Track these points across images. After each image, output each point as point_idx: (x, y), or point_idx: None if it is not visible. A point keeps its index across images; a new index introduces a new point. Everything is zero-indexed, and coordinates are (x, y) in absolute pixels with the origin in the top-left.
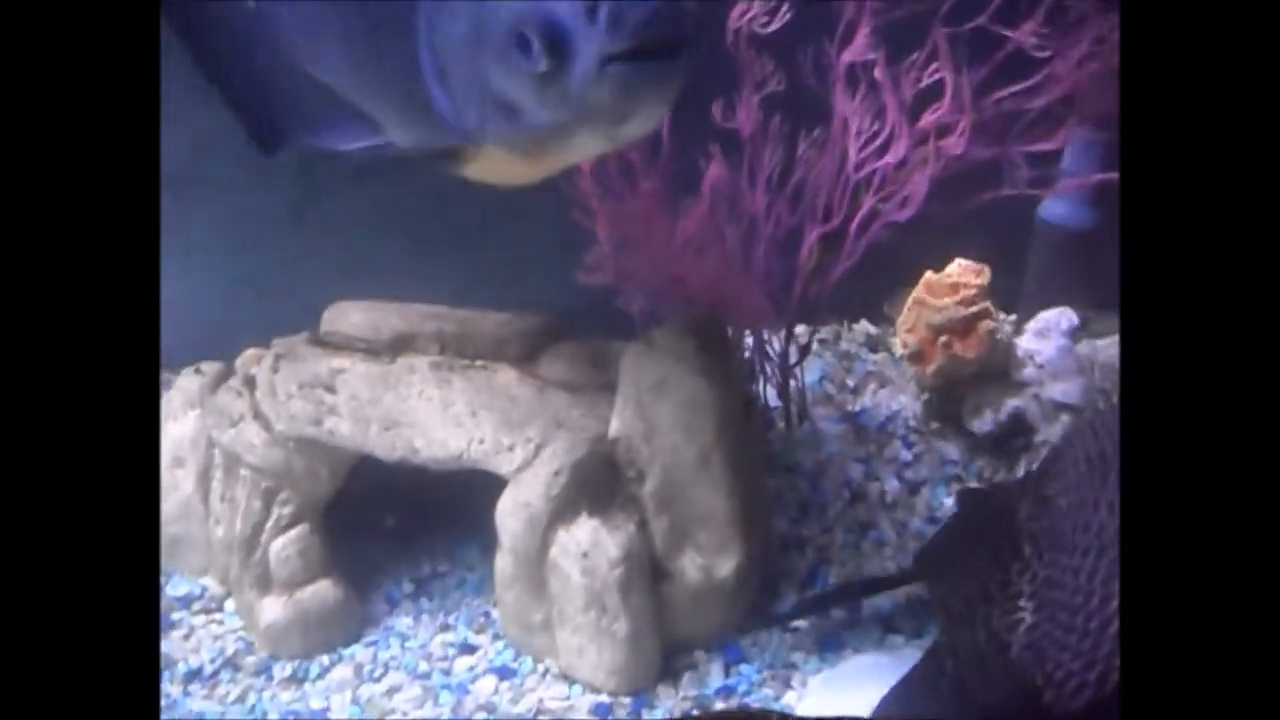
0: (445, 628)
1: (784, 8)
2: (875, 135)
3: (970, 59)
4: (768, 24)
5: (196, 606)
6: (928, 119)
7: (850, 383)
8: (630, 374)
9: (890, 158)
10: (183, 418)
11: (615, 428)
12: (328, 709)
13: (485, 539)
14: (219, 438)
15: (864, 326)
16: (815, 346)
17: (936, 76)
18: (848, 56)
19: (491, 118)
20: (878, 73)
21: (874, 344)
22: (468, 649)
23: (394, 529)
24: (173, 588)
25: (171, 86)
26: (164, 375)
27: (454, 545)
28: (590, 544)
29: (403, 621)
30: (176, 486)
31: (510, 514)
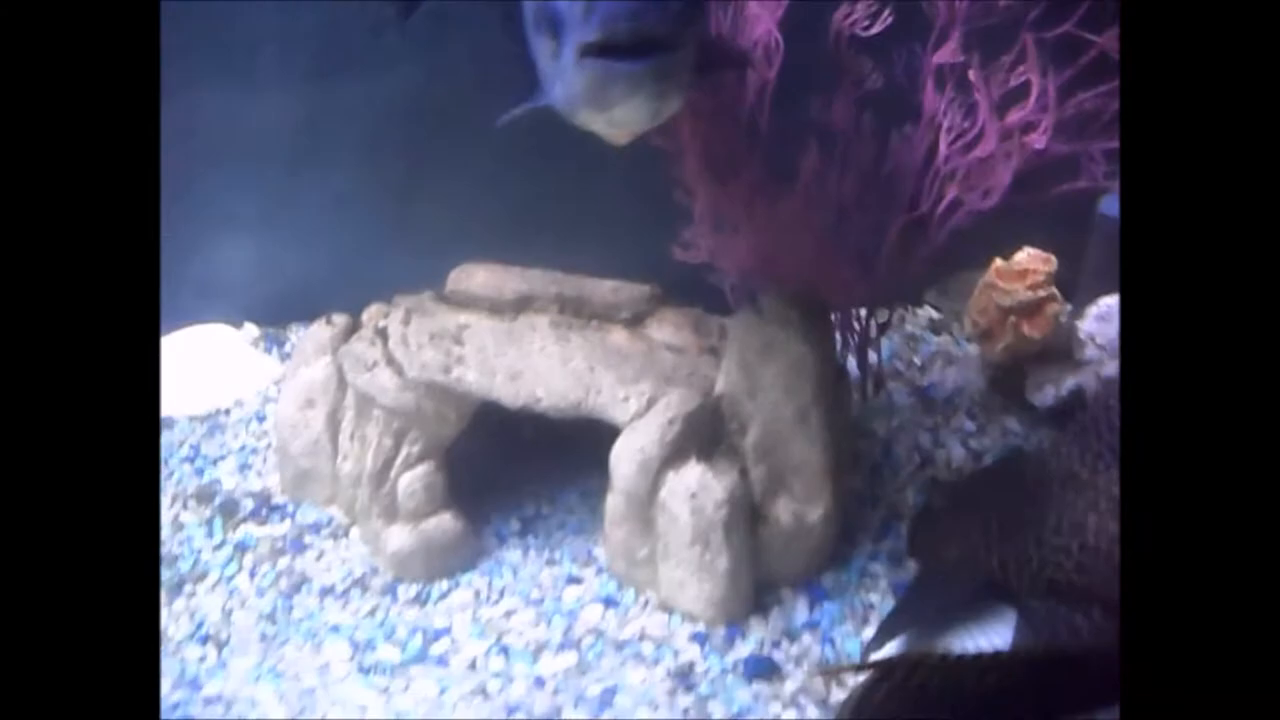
0: (551, 562)
1: (885, 12)
2: (964, 131)
3: (1056, 62)
4: (869, 27)
5: (325, 532)
6: (1013, 116)
7: (917, 361)
8: (739, 337)
9: (979, 152)
10: (315, 363)
11: (722, 384)
12: (450, 627)
13: (584, 486)
14: (354, 380)
15: (927, 311)
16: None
17: (1024, 78)
18: (939, 58)
19: (545, 88)
20: (971, 73)
21: (936, 328)
22: (574, 580)
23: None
24: (302, 515)
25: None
26: (291, 325)
27: (555, 490)
28: (698, 486)
29: (512, 555)
30: (307, 425)
31: (625, 458)
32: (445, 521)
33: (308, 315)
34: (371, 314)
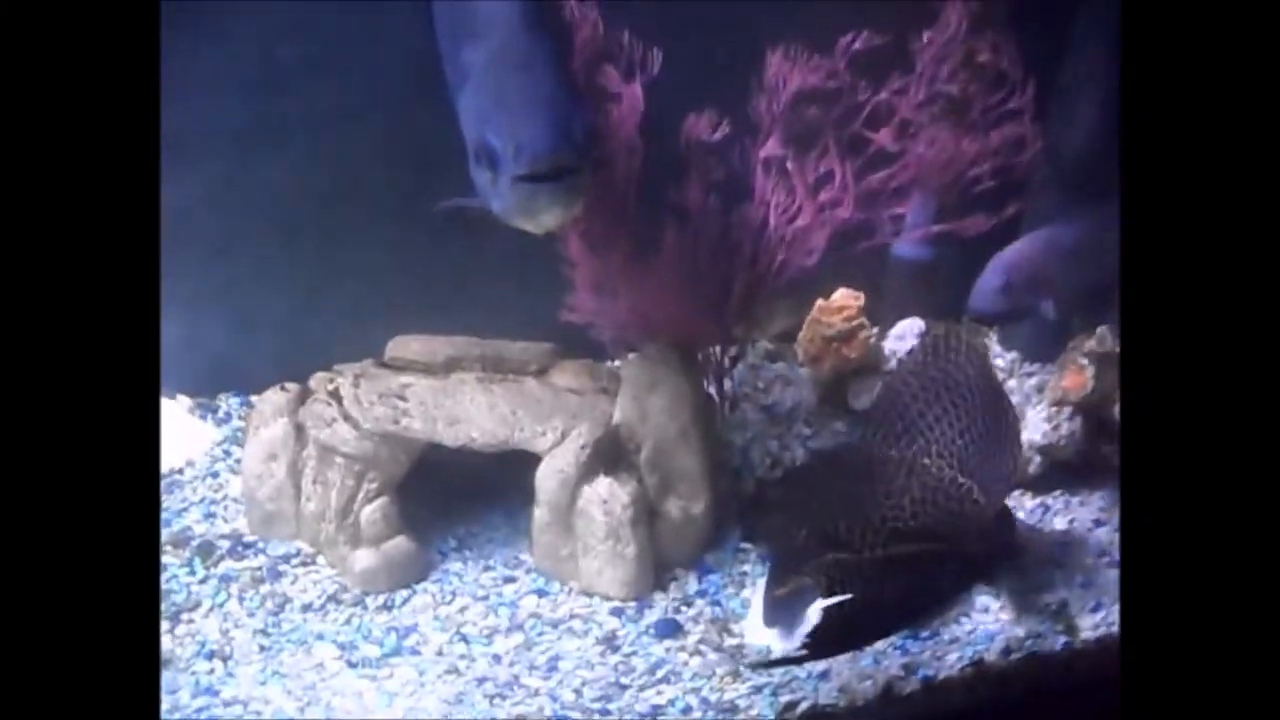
0: (487, 568)
1: (722, 121)
2: (787, 207)
3: (849, 152)
4: (712, 132)
5: (295, 561)
6: (824, 195)
7: (760, 384)
8: (630, 376)
9: (799, 223)
10: (274, 423)
11: (619, 415)
12: (417, 625)
13: (504, 507)
14: (317, 435)
15: (763, 344)
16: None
17: (828, 167)
18: (764, 152)
19: (484, 199)
20: (789, 164)
21: (772, 357)
22: (510, 580)
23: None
24: (272, 549)
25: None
26: (220, 395)
27: (480, 512)
28: (608, 495)
29: (455, 566)
30: (272, 474)
31: (548, 478)
32: (402, 543)
33: (233, 386)
34: (318, 380)
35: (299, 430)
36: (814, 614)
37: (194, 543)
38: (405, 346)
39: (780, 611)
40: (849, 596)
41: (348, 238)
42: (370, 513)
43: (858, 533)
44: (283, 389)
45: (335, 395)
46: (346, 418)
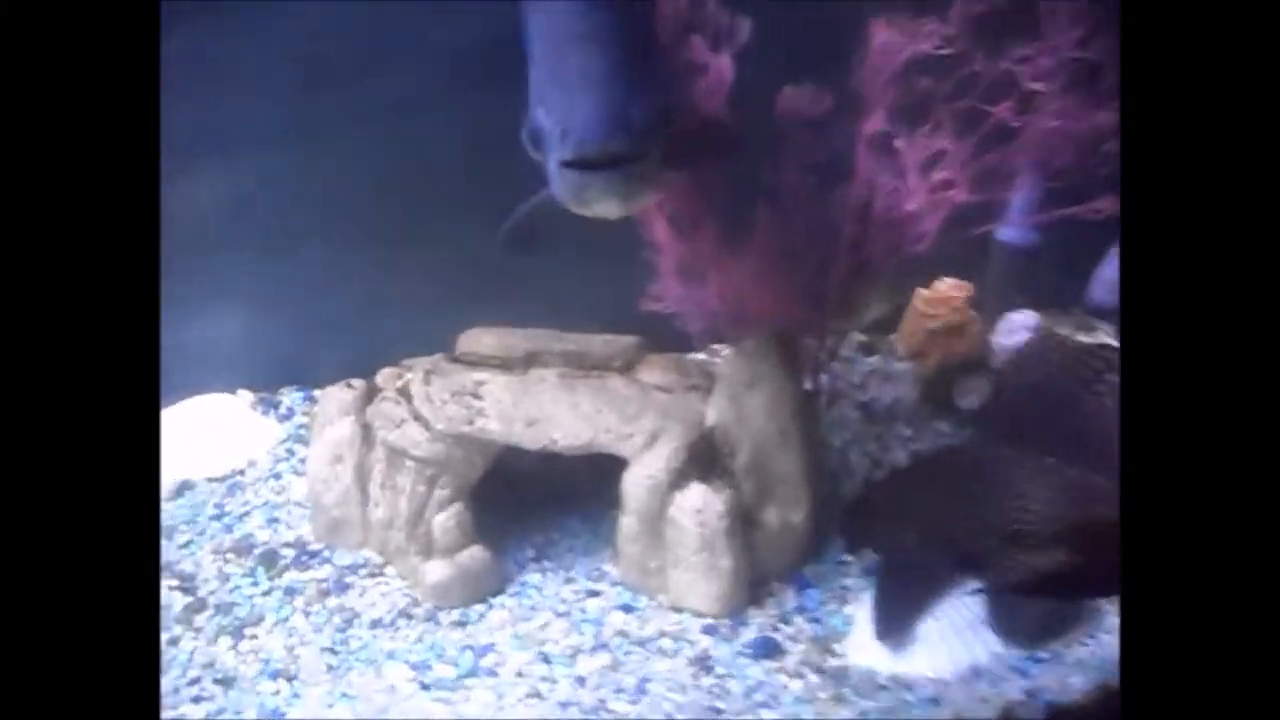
0: (569, 581)
1: (822, 95)
2: (894, 189)
3: (966, 129)
4: (810, 107)
5: (363, 572)
6: (936, 176)
7: (856, 380)
8: (726, 374)
9: (908, 206)
10: (339, 422)
11: (713, 416)
12: (494, 643)
13: (586, 512)
14: (386, 436)
15: (855, 336)
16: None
17: (940, 144)
18: (869, 128)
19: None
20: (897, 142)
21: (867, 350)
22: (593, 593)
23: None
24: (339, 559)
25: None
26: (282, 390)
27: (561, 519)
28: (702, 503)
29: (534, 578)
30: (337, 478)
31: (636, 485)
32: (476, 553)
33: (296, 380)
34: (386, 377)
35: (366, 430)
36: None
37: (257, 551)
38: (479, 340)
39: (893, 624)
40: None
41: (417, 227)
42: (443, 521)
43: (979, 537)
44: (348, 385)
45: (404, 393)
46: (417, 418)
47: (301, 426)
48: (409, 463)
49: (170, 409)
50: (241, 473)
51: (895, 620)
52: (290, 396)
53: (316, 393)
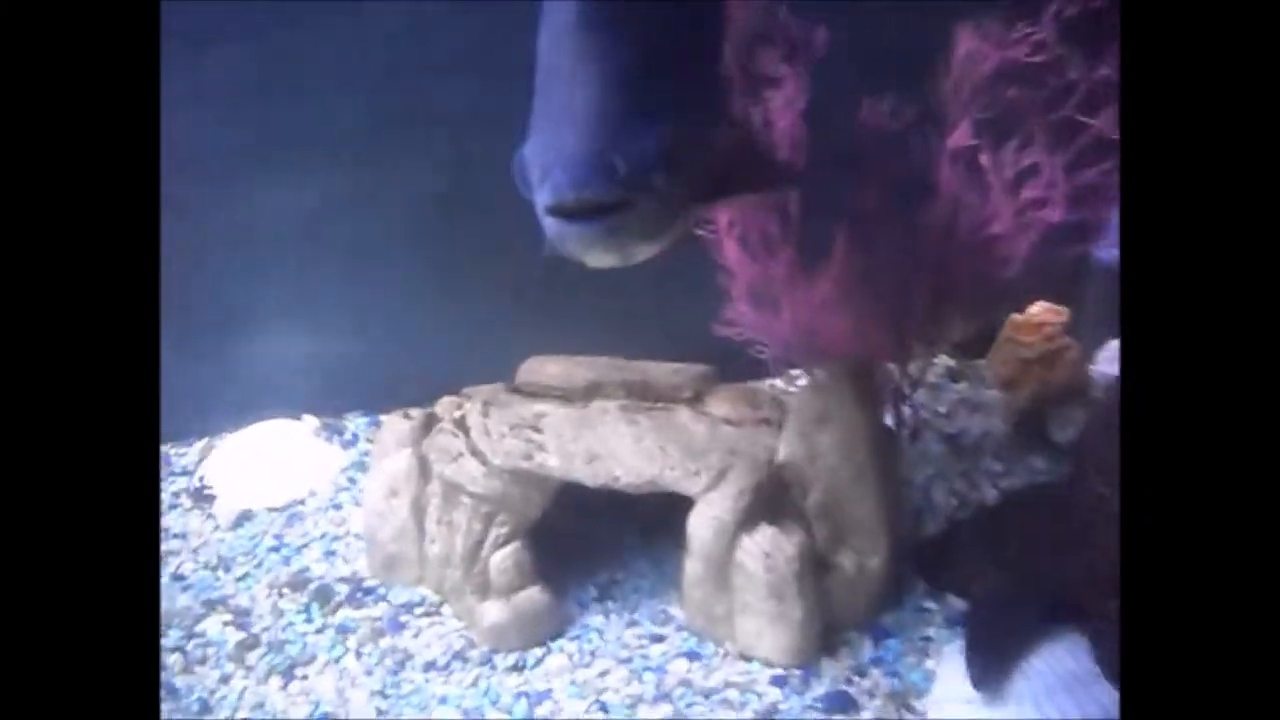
0: (632, 624)
1: (906, 108)
2: (980, 209)
3: (1059, 143)
4: (890, 119)
5: (418, 611)
6: (1026, 193)
7: (942, 409)
8: (797, 409)
9: (995, 228)
10: (396, 454)
11: (784, 453)
12: (550, 690)
13: (652, 552)
14: (442, 471)
15: (943, 360)
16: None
17: (1032, 159)
18: (953, 143)
19: None
20: (982, 158)
21: (954, 375)
22: (657, 639)
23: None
24: (394, 596)
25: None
26: (347, 415)
27: (625, 559)
28: (771, 547)
29: (595, 620)
30: (393, 513)
31: (702, 526)
32: (535, 594)
33: (361, 405)
34: (445, 406)
35: (423, 463)
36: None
37: (311, 586)
38: (540, 369)
39: (988, 673)
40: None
41: (482, 248)
42: (500, 560)
43: (1078, 584)
44: (406, 415)
45: (461, 425)
46: (474, 451)
47: (365, 454)
48: (465, 498)
49: (233, 435)
50: (302, 502)
51: (989, 669)
52: (355, 422)
53: (383, 418)
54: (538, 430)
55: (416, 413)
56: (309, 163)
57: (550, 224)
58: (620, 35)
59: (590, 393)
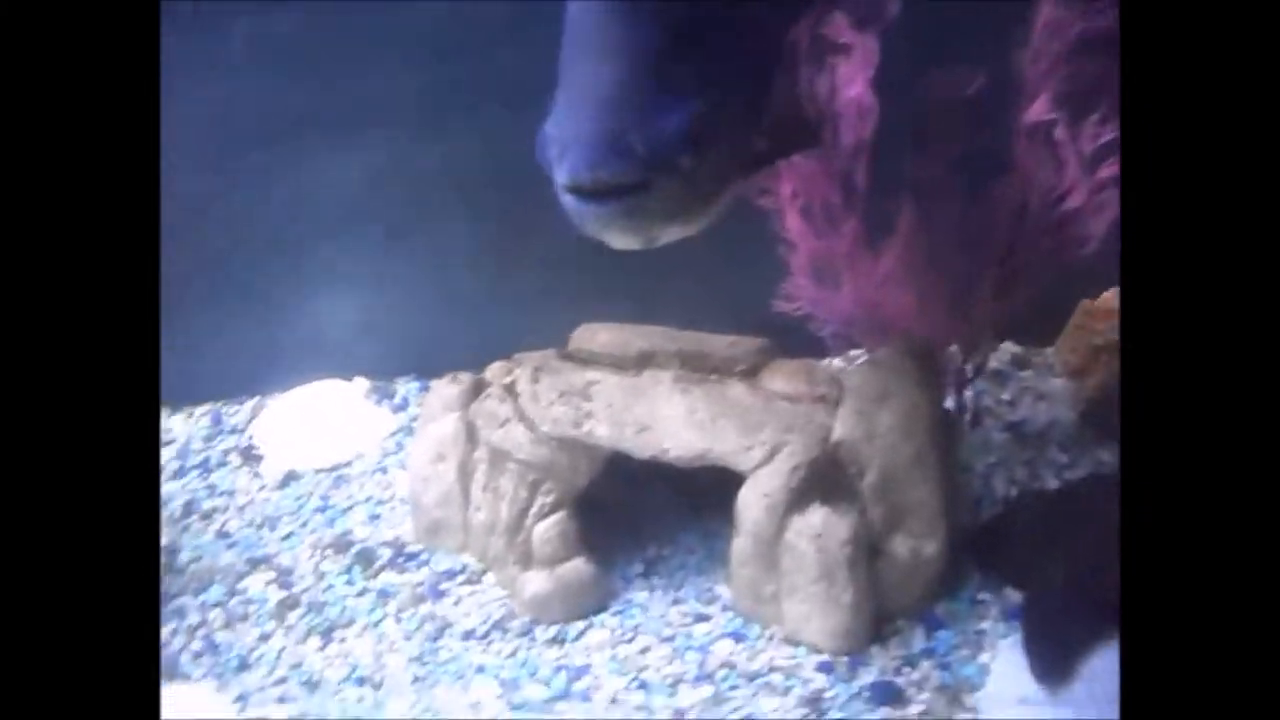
0: (677, 602)
1: (978, 75)
2: (1054, 185)
3: None
4: (962, 89)
5: (460, 579)
6: (1105, 171)
7: (1006, 396)
8: (855, 386)
9: (1069, 204)
10: (443, 419)
11: (840, 431)
12: (590, 665)
13: (701, 527)
14: (489, 436)
15: (1008, 347)
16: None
17: (1112, 135)
18: (1029, 117)
19: None
20: (1058, 132)
21: (1019, 362)
22: (702, 618)
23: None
24: (436, 563)
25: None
26: (398, 379)
27: (674, 533)
28: (823, 528)
29: (639, 595)
30: (439, 478)
31: (752, 504)
32: (579, 566)
33: (413, 369)
34: (495, 372)
35: (470, 429)
36: None
37: (355, 549)
38: (592, 336)
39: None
40: None
41: (534, 218)
42: (544, 530)
43: None
44: (454, 380)
45: (511, 391)
46: (522, 418)
47: (414, 418)
48: (512, 465)
49: (283, 395)
50: (349, 465)
51: (1052, 665)
52: (406, 387)
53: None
54: (588, 398)
55: (465, 377)
56: (365, 130)
57: (568, 202)
58: (647, 12)
59: (643, 362)
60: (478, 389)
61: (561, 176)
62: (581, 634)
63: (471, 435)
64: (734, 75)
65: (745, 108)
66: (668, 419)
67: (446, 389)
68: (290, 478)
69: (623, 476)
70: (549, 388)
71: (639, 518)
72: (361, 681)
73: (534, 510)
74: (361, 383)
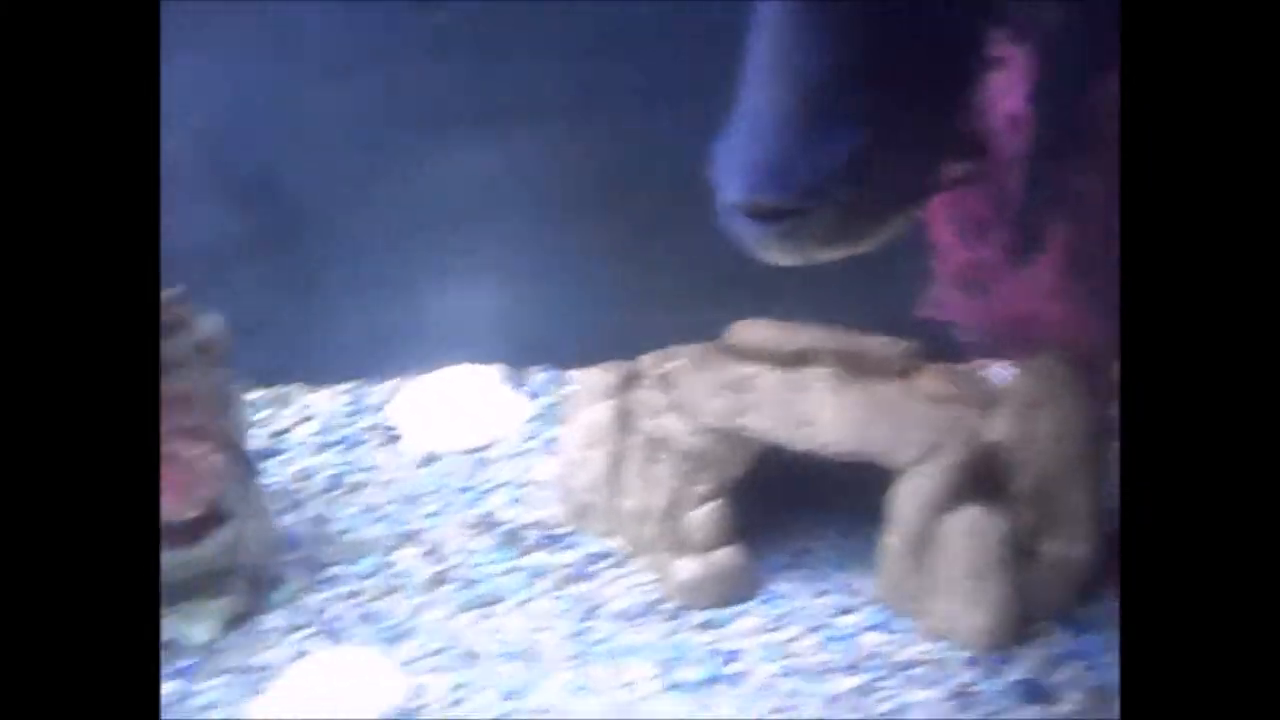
0: (822, 594)
1: None
2: None
3: None
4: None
5: (609, 562)
6: None
7: None
8: (1013, 392)
9: None
10: (596, 406)
11: (995, 434)
12: (739, 650)
13: (847, 523)
14: (645, 425)
15: None
16: None
17: None
18: None
19: None
20: None
21: None
22: (847, 610)
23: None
24: (584, 545)
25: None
26: (529, 369)
27: (820, 528)
28: (975, 528)
29: (784, 587)
30: (590, 463)
31: (906, 501)
32: (731, 554)
33: (547, 360)
34: (650, 362)
35: (624, 417)
36: None
37: (501, 529)
38: (751, 332)
39: None
40: None
41: (678, 215)
42: (698, 518)
43: None
44: (609, 368)
45: (669, 381)
46: (680, 408)
47: (551, 406)
48: (668, 454)
49: (421, 378)
50: (487, 448)
51: None
52: (539, 375)
53: (568, 374)
54: (748, 391)
55: (619, 366)
56: (515, 123)
57: (731, 219)
58: (820, 40)
59: (800, 359)
60: (631, 378)
61: (724, 195)
62: (731, 621)
63: (626, 423)
64: (904, 105)
65: (915, 137)
66: (824, 415)
67: (600, 377)
68: (431, 458)
69: (776, 470)
70: (709, 380)
71: (788, 510)
72: (516, 657)
73: (689, 498)
74: (497, 370)
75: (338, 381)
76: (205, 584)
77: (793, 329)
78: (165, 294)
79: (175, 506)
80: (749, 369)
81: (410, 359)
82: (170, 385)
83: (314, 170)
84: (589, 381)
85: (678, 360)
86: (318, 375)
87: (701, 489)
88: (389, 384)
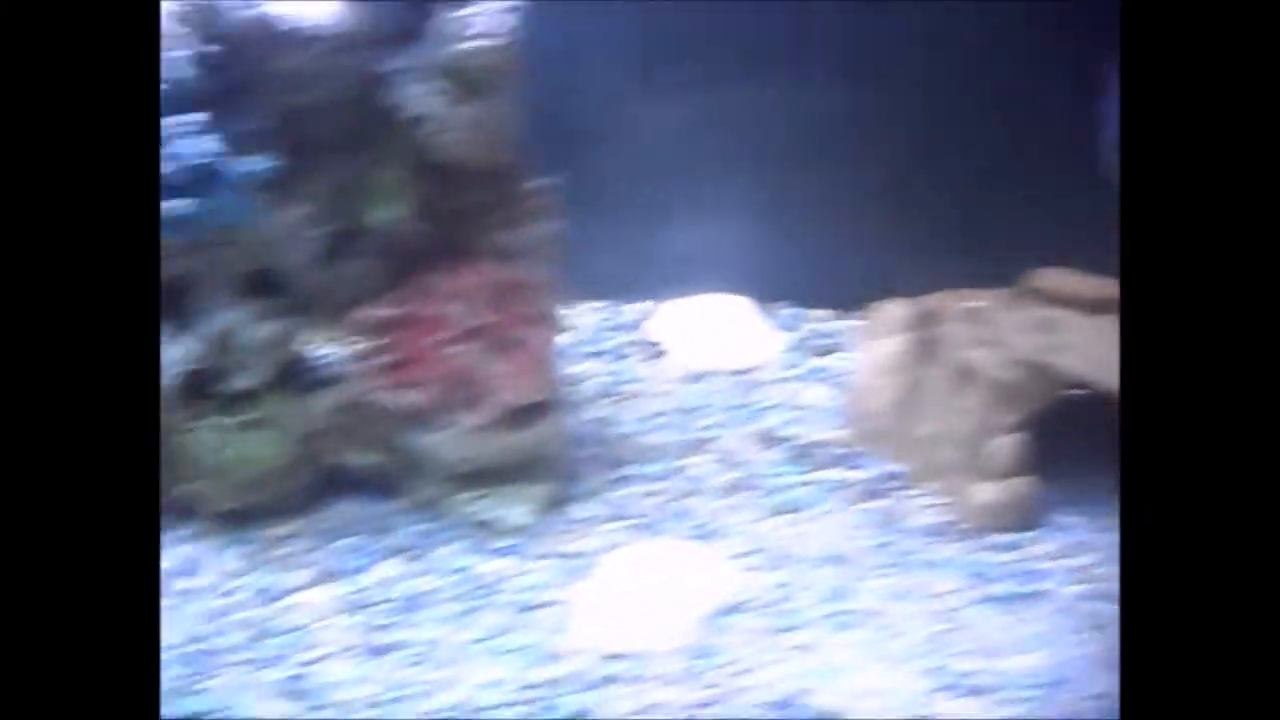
0: (1107, 529)
1: None
2: None
3: None
4: None
5: (901, 482)
6: None
7: None
8: None
9: None
10: (892, 336)
11: None
12: (1036, 571)
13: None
14: (957, 356)
15: None
16: None
17: None
18: None
19: None
20: None
21: None
22: None
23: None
24: (874, 466)
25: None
26: (793, 310)
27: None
28: None
29: (1070, 520)
30: (885, 389)
31: None
32: (1029, 482)
33: (791, 296)
34: (948, 299)
35: (926, 346)
36: None
37: (787, 444)
38: (1054, 278)
39: None
40: None
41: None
42: (1001, 446)
43: None
44: (902, 302)
45: (980, 317)
46: (996, 342)
47: (804, 340)
48: (978, 384)
49: (675, 302)
50: (751, 372)
51: None
52: (785, 310)
53: (811, 313)
54: (1060, 330)
55: (912, 301)
56: (780, 65)
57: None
58: None
59: (1100, 307)
60: (927, 314)
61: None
62: (1024, 544)
63: (929, 353)
64: None
65: None
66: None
67: (895, 310)
68: (698, 375)
69: (1078, 407)
70: (1020, 318)
71: (1084, 449)
72: (828, 561)
73: (994, 426)
74: (745, 301)
75: (591, 299)
76: (526, 469)
77: (1095, 280)
78: (537, 182)
79: (522, 390)
80: (1055, 312)
81: (663, 285)
82: (520, 273)
83: (574, 97)
84: (884, 313)
85: (985, 301)
86: (571, 290)
87: (1006, 419)
88: (640, 305)
